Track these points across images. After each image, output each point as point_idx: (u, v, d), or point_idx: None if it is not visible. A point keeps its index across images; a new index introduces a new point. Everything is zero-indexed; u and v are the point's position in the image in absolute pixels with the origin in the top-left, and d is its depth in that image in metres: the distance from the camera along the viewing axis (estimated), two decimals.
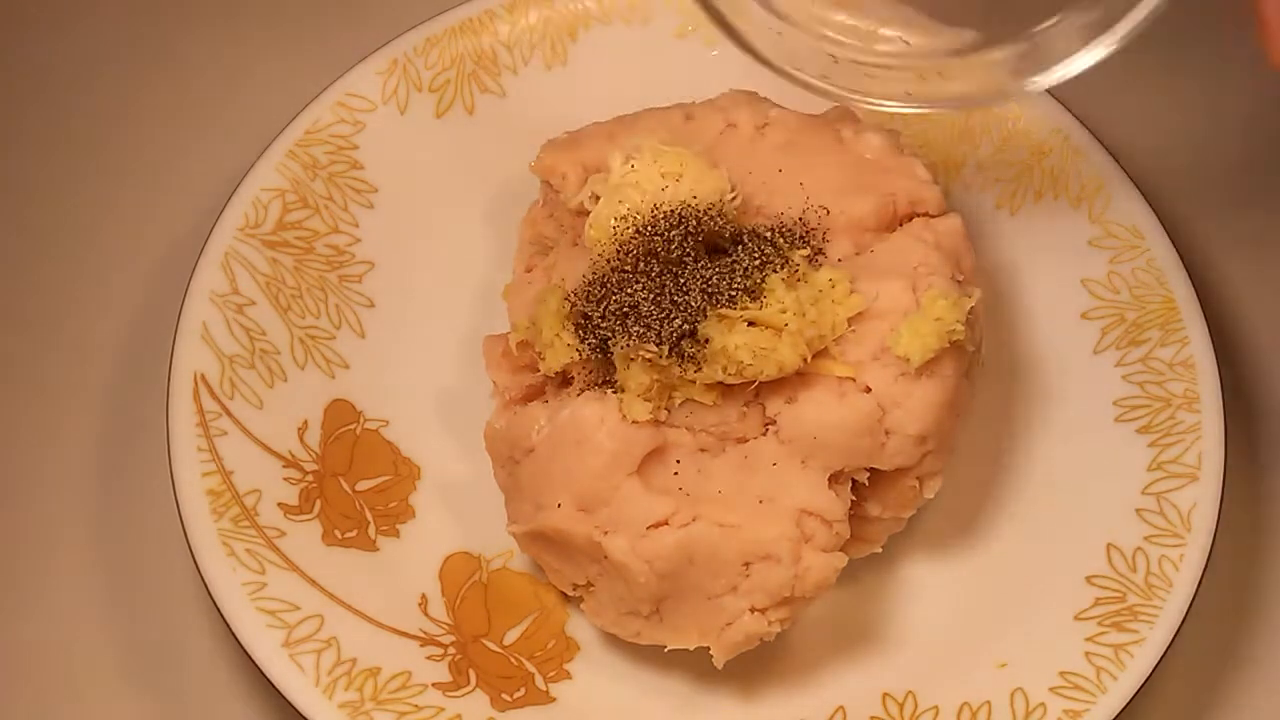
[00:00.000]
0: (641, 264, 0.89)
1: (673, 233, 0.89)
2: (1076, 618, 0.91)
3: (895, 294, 0.89)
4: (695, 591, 0.87)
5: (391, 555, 0.95)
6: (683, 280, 0.88)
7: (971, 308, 0.89)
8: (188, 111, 1.14)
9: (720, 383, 0.87)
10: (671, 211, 0.90)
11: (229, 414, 0.94)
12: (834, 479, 0.88)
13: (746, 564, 0.86)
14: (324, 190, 1.02)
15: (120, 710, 0.95)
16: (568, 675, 0.93)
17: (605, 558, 0.87)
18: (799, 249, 0.90)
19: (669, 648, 0.89)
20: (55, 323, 1.06)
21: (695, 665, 0.92)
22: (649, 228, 0.90)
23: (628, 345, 0.87)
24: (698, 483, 0.87)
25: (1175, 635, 0.89)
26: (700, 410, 0.88)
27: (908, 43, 0.88)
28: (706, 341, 0.86)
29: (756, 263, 0.89)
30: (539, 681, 0.92)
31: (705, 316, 0.87)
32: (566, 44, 1.08)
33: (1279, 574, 1.00)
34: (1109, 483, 0.95)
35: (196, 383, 0.94)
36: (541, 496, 0.88)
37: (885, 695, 0.91)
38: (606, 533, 0.86)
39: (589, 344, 0.88)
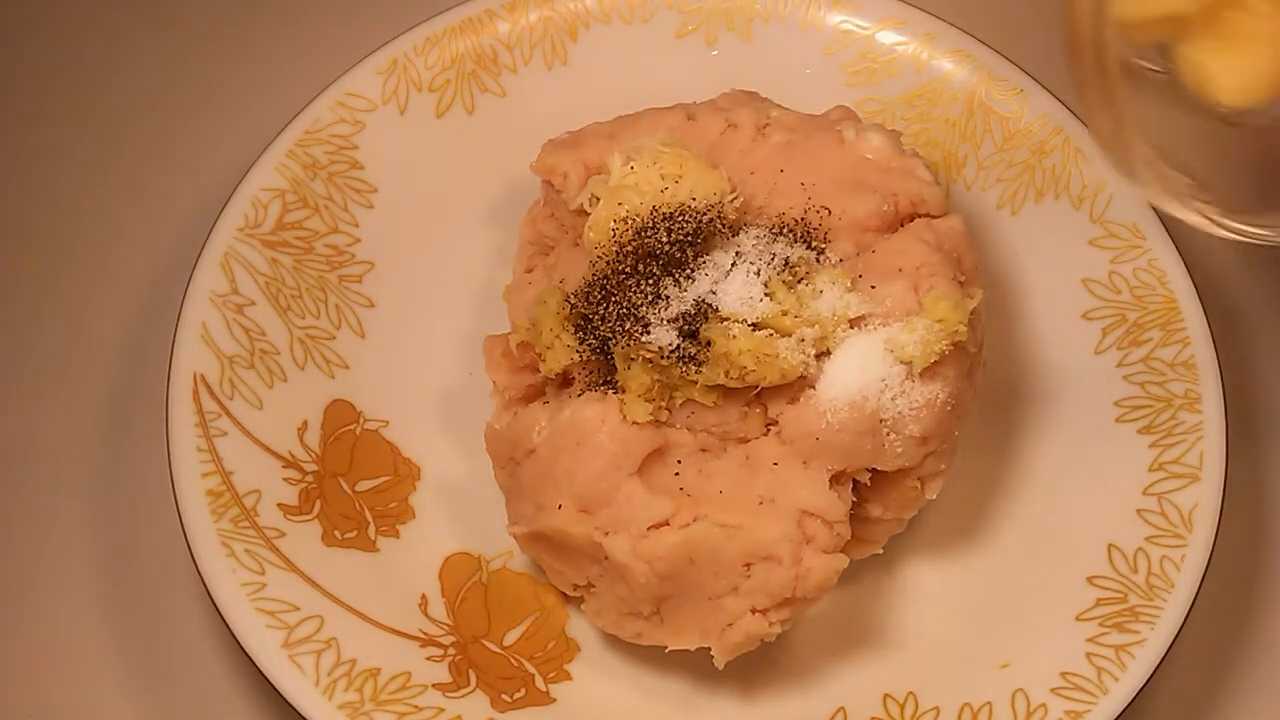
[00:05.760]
0: (641, 265, 0.89)
1: (672, 234, 0.89)
2: (1078, 618, 0.91)
3: (897, 295, 0.89)
4: (696, 592, 0.87)
5: (391, 555, 0.94)
6: (683, 282, 0.88)
7: (973, 309, 0.89)
8: (187, 112, 1.14)
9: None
10: (671, 213, 0.90)
11: (229, 414, 0.94)
12: (835, 479, 0.87)
13: (747, 565, 0.86)
14: (324, 190, 1.02)
15: (120, 710, 0.95)
16: (568, 676, 0.93)
17: (606, 558, 0.87)
18: (800, 249, 0.90)
19: (670, 648, 0.89)
20: (55, 323, 1.06)
21: (696, 666, 0.91)
22: (648, 229, 0.90)
23: (628, 346, 0.86)
24: (699, 483, 0.87)
25: (1177, 636, 0.89)
26: (701, 410, 0.88)
27: None
28: (708, 344, 0.86)
29: (757, 264, 0.88)
30: (539, 682, 0.92)
31: (706, 319, 0.87)
32: (566, 44, 1.08)
33: (1279, 574, 1.00)
34: (1110, 483, 0.95)
35: (196, 383, 0.94)
36: (542, 497, 0.88)
37: (886, 696, 0.91)
38: (607, 533, 0.86)
39: (589, 345, 0.88)
